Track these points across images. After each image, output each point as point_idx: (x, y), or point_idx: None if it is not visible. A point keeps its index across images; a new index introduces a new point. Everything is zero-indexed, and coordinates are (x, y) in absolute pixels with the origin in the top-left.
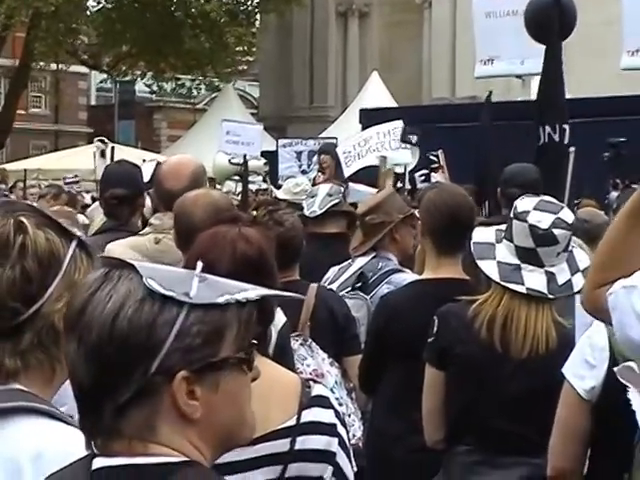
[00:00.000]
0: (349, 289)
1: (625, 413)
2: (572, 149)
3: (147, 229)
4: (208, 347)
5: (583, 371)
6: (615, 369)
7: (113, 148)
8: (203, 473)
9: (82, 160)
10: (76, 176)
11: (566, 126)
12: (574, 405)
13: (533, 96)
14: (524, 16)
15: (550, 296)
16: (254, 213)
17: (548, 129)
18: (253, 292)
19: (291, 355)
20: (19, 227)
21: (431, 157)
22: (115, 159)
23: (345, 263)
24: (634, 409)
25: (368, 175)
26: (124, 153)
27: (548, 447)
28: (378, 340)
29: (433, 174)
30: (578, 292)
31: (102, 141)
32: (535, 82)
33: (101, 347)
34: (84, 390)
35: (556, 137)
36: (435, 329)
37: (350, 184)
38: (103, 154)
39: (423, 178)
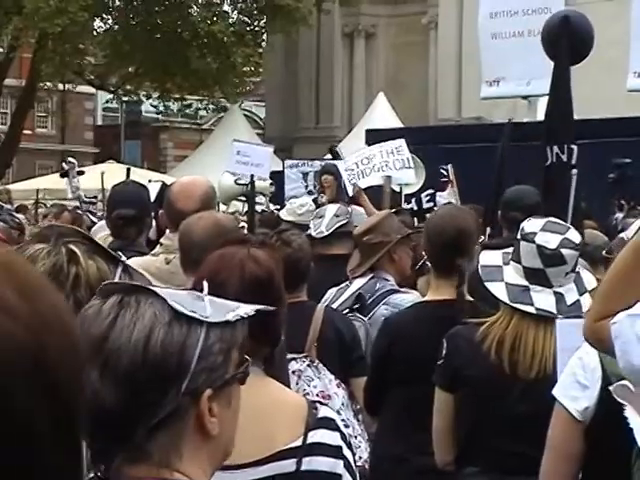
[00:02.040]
0: (347, 311)
1: (619, 433)
2: (574, 171)
3: (158, 249)
4: (225, 364)
5: (575, 392)
6: (611, 387)
7: (129, 169)
8: None
9: (88, 180)
10: (95, 197)
11: (574, 146)
12: (567, 427)
13: (539, 117)
14: (541, 35)
15: (559, 316)
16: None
17: (556, 149)
18: (249, 307)
19: (287, 374)
20: (71, 257)
21: (441, 170)
22: (119, 180)
23: (343, 285)
24: (631, 427)
25: (373, 197)
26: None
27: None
28: (381, 362)
29: (439, 193)
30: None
31: (64, 161)
32: (541, 103)
33: (134, 372)
34: (111, 416)
35: (564, 157)
36: (444, 352)
37: (353, 207)
38: (65, 175)
39: (428, 198)
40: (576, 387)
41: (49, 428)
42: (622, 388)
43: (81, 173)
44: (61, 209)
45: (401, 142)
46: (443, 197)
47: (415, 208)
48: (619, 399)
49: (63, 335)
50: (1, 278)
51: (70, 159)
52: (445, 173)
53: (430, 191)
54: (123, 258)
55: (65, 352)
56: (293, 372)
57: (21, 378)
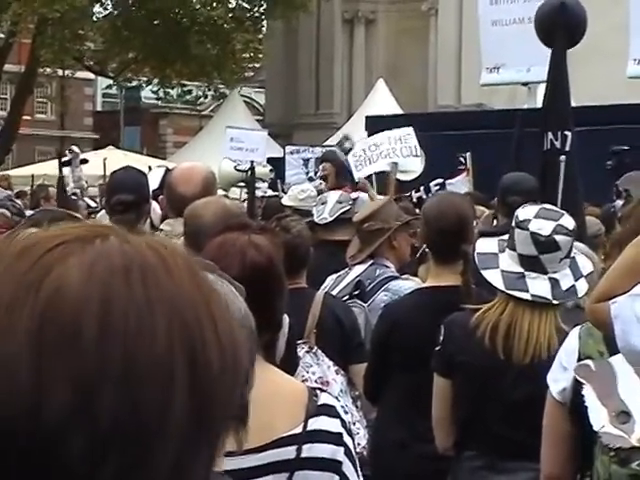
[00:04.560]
0: (347, 297)
1: (585, 412)
2: (563, 157)
3: (158, 235)
4: None
5: (558, 375)
6: (573, 367)
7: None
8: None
9: (88, 166)
10: (86, 182)
11: (567, 133)
12: (553, 409)
13: (539, 104)
14: (534, 21)
15: (554, 302)
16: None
17: (551, 136)
18: None
19: (295, 362)
20: None
21: (460, 158)
22: (119, 166)
23: (343, 271)
24: (587, 405)
25: (379, 185)
26: (130, 159)
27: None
28: (381, 349)
29: (448, 181)
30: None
31: (69, 149)
32: (541, 90)
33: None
34: None
35: (557, 144)
36: (441, 338)
37: (361, 194)
38: (68, 164)
39: (438, 187)
40: (559, 370)
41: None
42: (583, 368)
43: (84, 162)
44: (45, 190)
45: (409, 130)
46: (455, 185)
47: (424, 197)
48: (579, 378)
49: (223, 325)
50: (173, 252)
51: (74, 148)
52: (463, 161)
53: (439, 180)
54: None
55: (222, 345)
56: None
57: (166, 333)
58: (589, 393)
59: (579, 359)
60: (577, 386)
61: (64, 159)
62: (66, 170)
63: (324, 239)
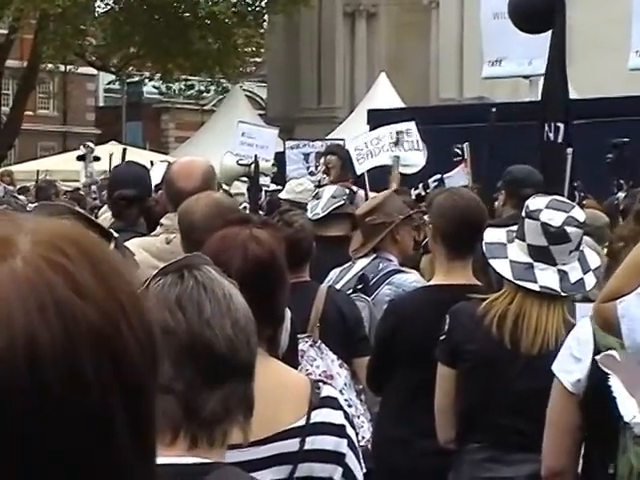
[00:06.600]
0: (350, 291)
1: (609, 403)
2: (569, 150)
3: (158, 229)
4: None
5: (570, 365)
6: (597, 357)
7: (125, 150)
8: (236, 472)
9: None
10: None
11: (560, 125)
12: (563, 400)
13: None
14: (510, 12)
15: (563, 294)
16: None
17: (546, 128)
18: None
19: (297, 356)
20: None
21: (456, 149)
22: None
23: (346, 265)
24: (614, 396)
25: (381, 180)
26: (132, 154)
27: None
28: (385, 345)
29: (446, 175)
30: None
31: (84, 145)
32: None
33: (247, 326)
34: (244, 363)
35: (552, 135)
36: (446, 327)
37: (360, 192)
38: (82, 158)
39: (437, 184)
40: (570, 360)
41: (126, 426)
42: (608, 358)
43: (97, 159)
44: (54, 186)
45: (411, 125)
46: (452, 179)
47: (422, 194)
48: (604, 369)
49: (139, 322)
50: (76, 257)
51: (89, 144)
52: (460, 152)
53: (437, 176)
54: (116, 235)
55: (141, 339)
56: None
57: (94, 366)
58: (616, 383)
59: (597, 350)
60: (594, 377)
61: (79, 153)
62: (79, 165)
63: (318, 235)
